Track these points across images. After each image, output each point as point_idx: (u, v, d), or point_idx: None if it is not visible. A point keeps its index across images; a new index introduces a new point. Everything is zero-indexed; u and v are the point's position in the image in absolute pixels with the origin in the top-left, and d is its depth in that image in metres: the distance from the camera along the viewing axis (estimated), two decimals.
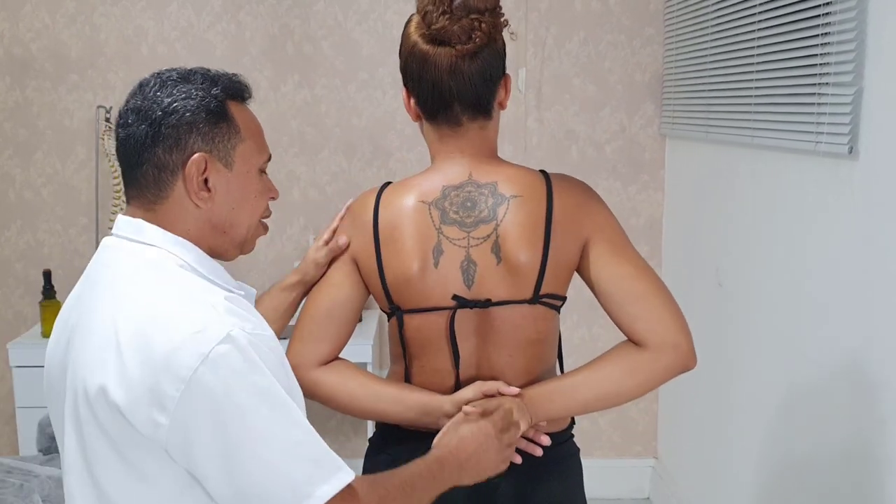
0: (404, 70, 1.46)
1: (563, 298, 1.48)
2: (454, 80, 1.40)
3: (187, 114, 1.19)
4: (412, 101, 1.47)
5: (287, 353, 1.44)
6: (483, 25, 1.38)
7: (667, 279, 3.35)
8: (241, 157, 1.23)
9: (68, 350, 1.19)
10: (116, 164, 2.95)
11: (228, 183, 1.23)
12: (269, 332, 1.17)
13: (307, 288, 1.54)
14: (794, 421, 2.29)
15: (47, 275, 3.01)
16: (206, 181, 1.21)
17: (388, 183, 1.50)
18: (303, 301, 1.56)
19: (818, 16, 2.03)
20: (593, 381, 1.42)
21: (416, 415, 1.43)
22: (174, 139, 1.19)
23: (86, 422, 1.13)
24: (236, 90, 1.26)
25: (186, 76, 1.23)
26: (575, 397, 1.42)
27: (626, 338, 1.45)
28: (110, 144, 3.08)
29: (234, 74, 1.28)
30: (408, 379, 1.49)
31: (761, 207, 2.48)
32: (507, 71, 1.48)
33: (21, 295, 3.34)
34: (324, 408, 3.38)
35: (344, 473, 1.12)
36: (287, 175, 3.28)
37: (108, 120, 3.11)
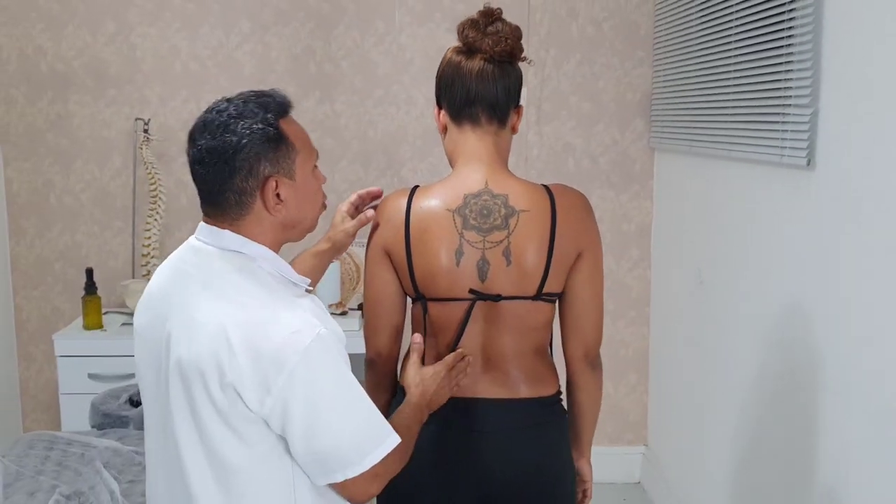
0: (438, 84, 1.75)
1: (560, 294, 1.76)
2: (480, 82, 1.68)
3: (254, 147, 1.41)
4: (441, 112, 1.76)
5: (366, 341, 1.82)
6: (508, 41, 1.69)
7: (655, 279, 3.68)
8: (299, 166, 1.48)
9: (170, 326, 1.42)
10: (153, 171, 3.25)
11: (295, 190, 1.48)
12: (340, 329, 1.44)
13: (336, 253, 1.82)
14: (767, 406, 2.55)
15: (90, 272, 3.25)
16: (278, 195, 1.45)
17: (416, 187, 1.76)
18: (330, 263, 1.85)
19: (782, 47, 2.31)
20: (590, 422, 1.91)
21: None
22: (247, 169, 1.42)
23: (201, 402, 1.38)
24: (283, 107, 1.49)
25: (242, 112, 1.43)
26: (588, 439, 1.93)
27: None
28: (147, 153, 3.34)
29: (276, 92, 1.50)
30: (423, 353, 1.77)
31: (736, 213, 2.75)
32: None
33: (59, 292, 3.60)
34: None
35: (394, 437, 1.45)
36: None
37: (146, 131, 3.37)
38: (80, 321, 3.34)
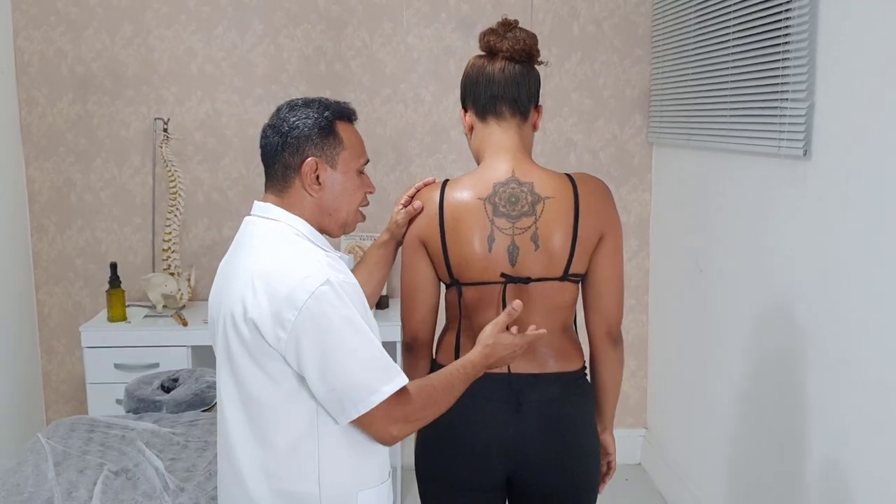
0: (464, 88, 1.90)
1: (584, 275, 1.91)
2: (502, 79, 1.84)
3: (305, 129, 1.64)
4: (467, 114, 1.90)
5: (404, 327, 1.94)
6: (526, 42, 1.85)
7: (654, 268, 3.83)
8: (343, 160, 1.67)
9: (222, 292, 1.65)
10: (173, 168, 3.38)
11: (334, 178, 1.67)
12: (355, 282, 1.60)
13: (397, 243, 1.96)
14: (762, 388, 2.70)
15: (114, 266, 3.38)
16: (317, 178, 1.65)
17: (447, 180, 1.90)
18: (395, 252, 1.99)
19: (778, 43, 2.47)
20: (612, 396, 2.02)
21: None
22: (295, 147, 1.64)
23: (232, 339, 1.59)
24: (344, 113, 1.71)
25: (308, 103, 1.68)
26: (611, 413, 2.04)
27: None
28: (167, 151, 3.47)
29: (345, 103, 1.73)
30: (458, 333, 1.91)
31: (734, 202, 2.91)
32: None
33: (81, 287, 3.72)
34: None
35: (401, 378, 1.58)
36: None
37: (165, 130, 3.50)
38: (102, 314, 3.46)
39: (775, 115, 2.50)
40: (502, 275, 1.83)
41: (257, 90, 3.63)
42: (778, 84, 2.48)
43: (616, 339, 1.95)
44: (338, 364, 1.54)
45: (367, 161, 1.75)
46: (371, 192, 1.77)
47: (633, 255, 3.84)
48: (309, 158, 1.64)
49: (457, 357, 1.88)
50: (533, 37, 1.88)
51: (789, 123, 2.41)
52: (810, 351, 2.38)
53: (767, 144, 2.55)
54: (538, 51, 1.89)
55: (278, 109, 1.70)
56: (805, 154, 2.35)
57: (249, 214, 1.71)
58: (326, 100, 1.71)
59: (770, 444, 2.66)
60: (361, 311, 1.58)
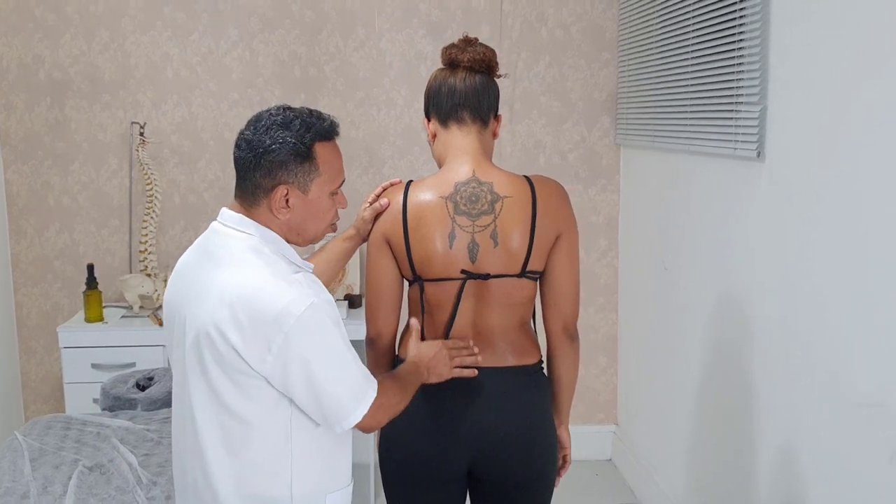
0: (427, 98, 1.98)
1: (542, 272, 1.99)
2: (463, 88, 1.93)
3: (281, 155, 1.61)
4: (430, 123, 1.99)
5: (368, 322, 2.02)
6: (485, 54, 1.95)
7: (622, 266, 3.92)
8: (316, 186, 1.65)
9: (188, 301, 1.65)
10: (149, 172, 3.44)
11: (304, 203, 1.66)
12: (331, 298, 1.64)
13: (361, 238, 2.03)
14: (725, 384, 2.78)
15: (90, 268, 3.43)
16: (287, 201, 1.64)
17: (411, 181, 1.98)
18: (357, 247, 2.06)
19: (733, 49, 2.56)
20: (568, 391, 2.10)
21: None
22: (268, 170, 1.62)
23: (207, 354, 1.60)
24: (326, 134, 1.66)
25: (288, 123, 1.63)
26: (567, 408, 2.12)
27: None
28: (143, 155, 3.52)
29: (328, 118, 1.68)
30: (421, 329, 1.99)
31: (695, 202, 2.99)
32: None
33: (59, 288, 3.77)
34: None
35: (375, 382, 1.69)
36: None
37: (142, 134, 3.55)
38: (80, 315, 3.51)
39: (731, 118, 2.59)
40: (463, 271, 1.91)
41: (233, 94, 3.69)
42: (733, 87, 2.57)
43: (572, 336, 2.03)
44: (322, 386, 1.61)
45: (344, 181, 1.74)
46: (343, 208, 1.77)
47: (602, 255, 3.93)
48: (280, 186, 1.63)
49: None
50: (492, 51, 1.98)
51: (743, 126, 2.50)
52: (765, 345, 2.47)
53: (724, 146, 2.64)
54: (497, 63, 2.00)
55: (257, 120, 1.66)
56: (758, 155, 2.44)
57: (217, 220, 1.71)
58: (309, 117, 1.66)
59: (728, 437, 2.75)
60: (338, 325, 1.64)
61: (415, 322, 1.97)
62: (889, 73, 1.86)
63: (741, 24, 2.50)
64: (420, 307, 1.98)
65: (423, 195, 1.92)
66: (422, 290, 1.96)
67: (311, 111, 1.69)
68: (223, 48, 3.67)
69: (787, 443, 2.34)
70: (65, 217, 3.73)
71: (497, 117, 2.01)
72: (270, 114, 1.66)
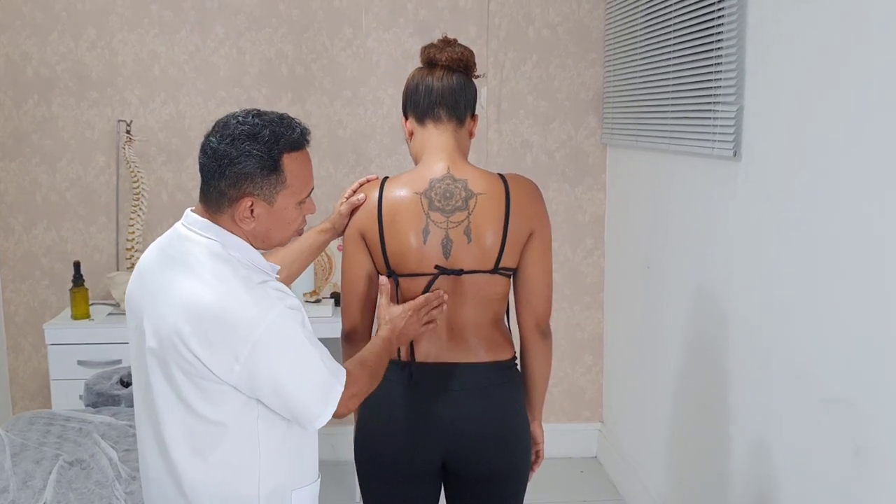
0: (405, 97, 2.00)
1: (514, 269, 2.00)
2: (440, 87, 1.95)
3: (247, 167, 1.58)
4: (408, 120, 2.01)
5: (343, 315, 2.03)
6: (463, 53, 1.98)
7: (607, 264, 3.94)
8: (282, 198, 1.63)
9: (147, 301, 1.64)
10: (136, 169, 3.44)
11: (269, 214, 1.64)
12: (297, 303, 1.64)
13: (336, 233, 2.05)
14: (706, 381, 2.81)
15: (77, 265, 3.44)
16: (251, 212, 1.62)
17: (387, 177, 1.99)
18: (330, 241, 2.08)
19: (712, 49, 2.58)
20: (541, 387, 2.11)
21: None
22: (233, 181, 1.59)
23: (171, 358, 1.60)
24: (295, 144, 1.63)
25: (256, 134, 1.59)
26: (539, 404, 2.13)
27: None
28: (130, 153, 3.54)
29: (299, 125, 1.65)
30: None
31: (676, 202, 3.01)
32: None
33: (47, 285, 3.78)
34: None
35: (342, 371, 1.70)
36: None
37: (128, 132, 3.56)
38: (67, 312, 3.53)
39: (709, 118, 2.61)
40: (436, 267, 1.93)
41: (220, 92, 3.71)
42: (711, 87, 2.59)
43: (545, 332, 2.05)
44: (289, 392, 1.62)
45: (312, 189, 1.72)
46: (311, 214, 1.75)
47: (588, 254, 3.94)
48: (245, 198, 1.61)
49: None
50: (470, 51, 2.00)
51: (720, 126, 2.52)
52: (740, 343, 2.49)
53: (702, 146, 2.66)
54: (475, 64, 2.02)
55: (224, 126, 1.62)
56: (735, 155, 2.45)
57: (181, 222, 1.69)
58: (279, 126, 1.62)
59: (707, 434, 2.76)
60: (304, 326, 1.65)
61: (384, 281, 1.95)
62: (864, 73, 1.88)
63: (720, 24, 2.52)
64: (395, 301, 1.99)
65: (399, 191, 1.94)
66: (397, 285, 1.97)
67: (281, 118, 1.65)
68: (210, 46, 3.69)
69: (760, 439, 2.36)
70: (52, 214, 3.74)
71: (473, 117, 2.03)
72: (238, 121, 1.62)
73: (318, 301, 3.60)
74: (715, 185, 2.65)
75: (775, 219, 2.27)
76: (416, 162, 2.02)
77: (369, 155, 3.80)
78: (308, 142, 1.68)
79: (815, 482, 2.09)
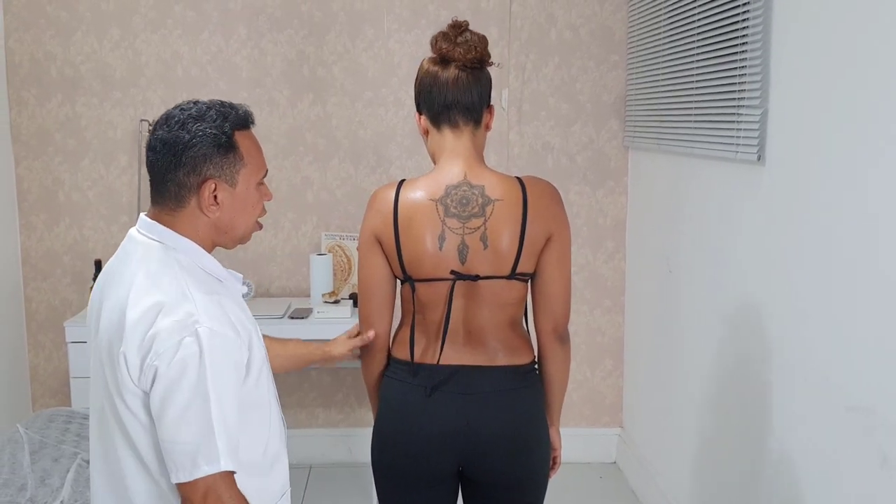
0: (418, 93, 1.96)
1: (532, 274, 1.98)
2: (456, 88, 1.90)
3: (203, 148, 1.51)
4: (422, 118, 1.98)
5: (361, 320, 2.01)
6: (477, 49, 1.91)
7: (629, 268, 3.91)
8: (242, 177, 1.57)
9: (100, 312, 1.56)
10: None
11: (233, 198, 1.57)
12: (224, 332, 1.48)
13: (324, 360, 2.07)
14: (728, 386, 2.77)
15: (98, 264, 3.46)
16: (216, 198, 1.54)
17: (403, 180, 1.97)
18: (313, 363, 2.09)
19: (736, 52, 2.55)
20: (559, 392, 2.08)
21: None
22: (192, 166, 1.52)
23: (105, 359, 1.52)
24: (242, 122, 1.58)
25: (202, 114, 1.54)
26: (557, 409, 2.10)
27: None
28: None
29: (241, 106, 1.60)
30: (413, 327, 1.98)
31: (699, 206, 2.98)
32: (493, 92, 2.00)
33: (68, 283, 3.80)
34: (331, 382, 3.98)
35: (225, 463, 1.45)
36: (302, 180, 3.78)
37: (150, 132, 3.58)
38: (88, 310, 3.54)
39: (733, 122, 2.58)
40: (452, 272, 1.91)
41: (242, 93, 3.71)
42: (735, 91, 2.56)
43: (563, 337, 2.03)
44: (172, 421, 1.45)
45: (266, 172, 1.66)
46: (269, 200, 1.69)
47: (609, 258, 3.92)
48: (208, 181, 1.54)
49: (412, 351, 1.96)
50: (483, 40, 1.94)
51: (745, 129, 2.49)
52: (764, 349, 2.45)
53: (726, 150, 2.63)
54: (489, 54, 1.96)
55: (168, 118, 1.56)
56: (759, 159, 2.42)
57: (135, 228, 1.61)
58: (222, 107, 1.58)
59: (730, 441, 2.73)
60: (223, 366, 1.49)
61: (371, 335, 2.01)
62: (890, 77, 1.84)
63: (744, 28, 2.49)
64: (412, 306, 1.98)
65: (414, 196, 1.92)
66: (413, 290, 1.96)
67: (221, 102, 1.60)
68: (233, 47, 3.69)
69: (783, 446, 2.33)
70: (74, 213, 3.76)
71: (489, 108, 1.99)
72: (181, 110, 1.57)
73: (336, 302, 3.59)
74: (738, 189, 2.62)
75: (799, 224, 2.24)
76: (434, 161, 2.00)
77: (389, 156, 3.79)
78: (253, 123, 1.63)
79: (840, 491, 2.05)
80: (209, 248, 1.61)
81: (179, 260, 1.54)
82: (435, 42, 1.94)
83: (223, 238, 1.62)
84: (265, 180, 1.67)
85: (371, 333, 1.99)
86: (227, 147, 1.54)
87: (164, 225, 1.55)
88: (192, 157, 1.52)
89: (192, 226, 1.56)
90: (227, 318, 1.52)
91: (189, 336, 1.44)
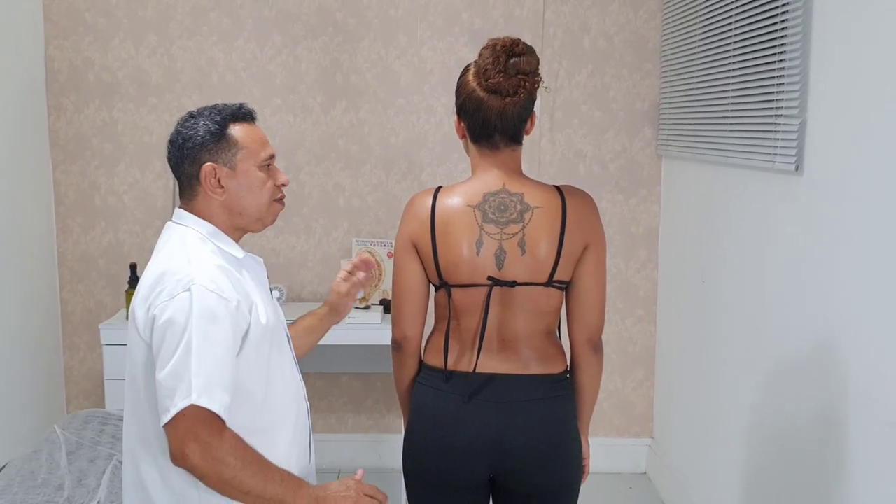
0: (461, 106, 1.94)
1: (569, 282, 1.98)
2: (500, 120, 1.89)
3: (198, 138, 1.71)
4: (462, 125, 1.97)
5: (394, 325, 2.02)
6: (527, 84, 1.88)
7: (661, 278, 3.89)
8: (241, 161, 1.72)
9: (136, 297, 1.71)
10: None
11: (236, 179, 1.72)
12: (230, 295, 1.62)
13: (335, 315, 2.12)
14: (762, 397, 2.75)
15: (133, 267, 3.50)
16: (219, 181, 1.71)
17: (440, 187, 1.98)
18: (332, 324, 2.13)
19: (774, 61, 2.53)
20: (591, 402, 2.09)
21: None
22: (192, 157, 1.72)
23: (135, 344, 1.65)
24: (237, 115, 1.75)
25: (200, 112, 1.75)
26: (588, 418, 2.10)
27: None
28: None
29: (241, 105, 1.76)
30: (447, 334, 1.98)
31: (735, 215, 2.96)
32: None
33: (103, 286, 3.85)
34: (361, 387, 3.96)
35: (220, 406, 1.55)
36: (334, 186, 3.80)
37: None
38: (122, 313, 3.58)
39: (770, 131, 2.56)
40: (489, 278, 1.91)
41: (276, 100, 3.74)
42: (773, 100, 2.54)
43: (597, 347, 2.02)
44: (161, 368, 1.55)
45: (272, 155, 1.78)
46: (284, 184, 1.81)
47: (641, 267, 3.90)
48: (205, 165, 1.70)
49: (445, 358, 1.97)
50: (535, 67, 1.89)
51: (782, 139, 2.47)
52: (801, 361, 2.43)
53: (763, 159, 2.60)
54: (540, 79, 1.91)
55: (177, 123, 1.77)
56: (797, 169, 2.40)
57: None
58: (221, 105, 1.76)
59: (763, 453, 2.70)
60: (212, 320, 1.59)
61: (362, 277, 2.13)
62: None
63: (782, 37, 2.47)
64: (447, 312, 1.98)
65: (452, 202, 1.93)
66: (449, 296, 1.96)
67: (225, 103, 1.77)
68: (267, 55, 3.72)
69: (819, 460, 2.30)
70: (110, 217, 3.81)
71: (532, 115, 1.97)
72: (188, 112, 1.78)
73: (367, 308, 3.60)
74: (775, 199, 2.60)
75: (837, 236, 2.22)
76: (473, 164, 2.00)
77: (421, 163, 3.80)
78: (254, 118, 1.79)
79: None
80: (232, 232, 1.77)
81: (196, 237, 1.71)
82: (484, 71, 1.88)
83: (240, 220, 1.76)
84: (283, 170, 1.83)
85: (361, 275, 2.10)
86: (219, 134, 1.71)
87: (188, 211, 1.74)
88: (190, 148, 1.71)
89: (207, 210, 1.73)
90: (229, 285, 1.65)
91: (184, 291, 1.58)
